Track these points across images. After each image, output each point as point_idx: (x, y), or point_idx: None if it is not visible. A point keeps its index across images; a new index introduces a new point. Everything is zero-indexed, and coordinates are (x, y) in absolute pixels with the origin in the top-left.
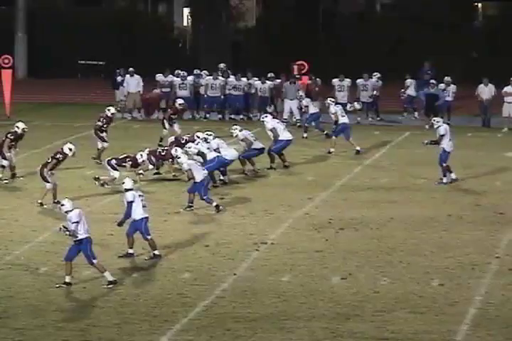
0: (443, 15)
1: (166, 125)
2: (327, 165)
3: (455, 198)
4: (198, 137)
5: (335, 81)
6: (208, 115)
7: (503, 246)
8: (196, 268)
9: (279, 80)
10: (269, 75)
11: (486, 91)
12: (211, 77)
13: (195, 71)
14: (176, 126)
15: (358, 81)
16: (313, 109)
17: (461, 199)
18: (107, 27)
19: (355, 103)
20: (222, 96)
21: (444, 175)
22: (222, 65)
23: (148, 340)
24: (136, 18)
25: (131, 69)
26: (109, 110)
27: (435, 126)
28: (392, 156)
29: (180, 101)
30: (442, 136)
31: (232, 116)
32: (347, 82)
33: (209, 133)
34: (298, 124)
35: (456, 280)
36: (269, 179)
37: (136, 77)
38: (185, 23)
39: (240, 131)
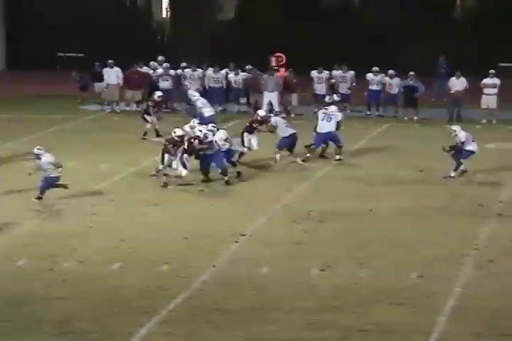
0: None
1: (148, 118)
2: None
3: (434, 190)
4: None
5: (313, 73)
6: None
7: (482, 238)
8: (175, 261)
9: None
10: (247, 67)
11: (457, 84)
12: (190, 69)
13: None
14: (154, 119)
15: (336, 73)
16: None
17: (441, 191)
18: (86, 19)
19: (334, 95)
20: (201, 88)
21: (455, 170)
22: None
23: (127, 332)
24: (115, 10)
25: (110, 61)
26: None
27: (453, 135)
28: (371, 148)
29: (158, 93)
30: (463, 142)
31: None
32: (325, 74)
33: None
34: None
35: (435, 272)
36: (248, 171)
37: (116, 69)
38: (163, 15)
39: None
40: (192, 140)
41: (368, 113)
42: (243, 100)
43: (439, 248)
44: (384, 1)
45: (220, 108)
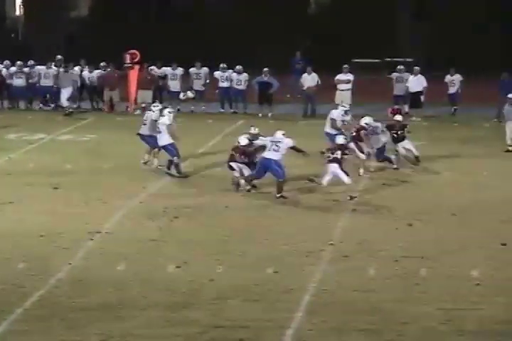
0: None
1: None
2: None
3: (291, 184)
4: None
5: (168, 70)
6: (41, 105)
7: (336, 233)
8: (31, 258)
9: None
10: (101, 64)
11: (309, 80)
12: (45, 67)
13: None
14: None
15: (191, 70)
16: None
17: (297, 185)
18: None
19: (189, 92)
20: (54, 86)
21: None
22: (59, 57)
23: None
24: None
25: None
26: None
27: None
28: (226, 144)
29: None
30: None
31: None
32: (180, 70)
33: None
34: None
35: (290, 268)
36: (103, 168)
37: None
38: (17, 13)
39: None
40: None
41: (222, 110)
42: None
43: (295, 243)
44: None
45: (74, 105)
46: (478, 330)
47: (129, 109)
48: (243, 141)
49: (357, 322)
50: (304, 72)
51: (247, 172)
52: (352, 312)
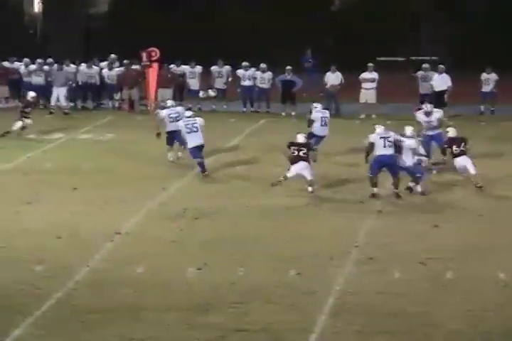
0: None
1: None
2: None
3: (314, 187)
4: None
5: (186, 68)
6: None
7: (362, 235)
8: (49, 260)
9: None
10: (124, 62)
11: (333, 78)
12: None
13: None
14: (28, 120)
15: (213, 68)
16: None
17: (319, 187)
18: None
19: (210, 90)
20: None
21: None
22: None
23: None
24: None
25: None
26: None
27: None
28: (247, 144)
29: (32, 93)
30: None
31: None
32: (198, 68)
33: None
34: None
35: (314, 270)
36: (122, 168)
37: None
38: (36, 10)
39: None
40: None
41: (244, 109)
42: (117, 96)
43: (319, 245)
44: None
45: (94, 104)
46: (505, 332)
47: (148, 108)
48: (300, 138)
49: (382, 325)
50: (315, 71)
51: (310, 174)
52: (377, 315)
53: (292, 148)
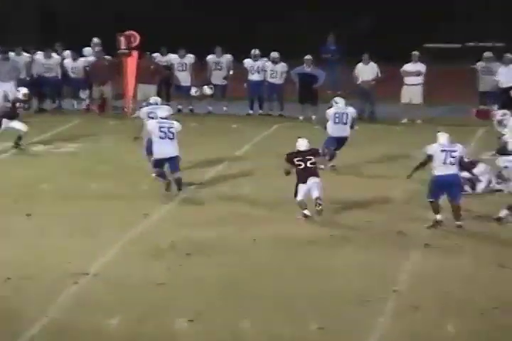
0: None
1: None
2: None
3: (339, 213)
4: None
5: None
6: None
7: (403, 276)
8: None
9: None
10: (94, 42)
11: (366, 71)
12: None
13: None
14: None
15: (209, 57)
16: None
17: (348, 214)
18: None
19: (205, 87)
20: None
21: None
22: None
23: None
24: None
25: None
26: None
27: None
28: (254, 157)
29: (23, 90)
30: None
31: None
32: (189, 58)
33: None
34: None
35: (340, 323)
36: (90, 189)
37: None
38: None
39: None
40: None
41: (251, 112)
42: (84, 94)
43: (347, 289)
44: None
45: (54, 105)
46: None
47: (125, 109)
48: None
49: None
50: (336, 63)
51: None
52: None
53: (296, 159)
